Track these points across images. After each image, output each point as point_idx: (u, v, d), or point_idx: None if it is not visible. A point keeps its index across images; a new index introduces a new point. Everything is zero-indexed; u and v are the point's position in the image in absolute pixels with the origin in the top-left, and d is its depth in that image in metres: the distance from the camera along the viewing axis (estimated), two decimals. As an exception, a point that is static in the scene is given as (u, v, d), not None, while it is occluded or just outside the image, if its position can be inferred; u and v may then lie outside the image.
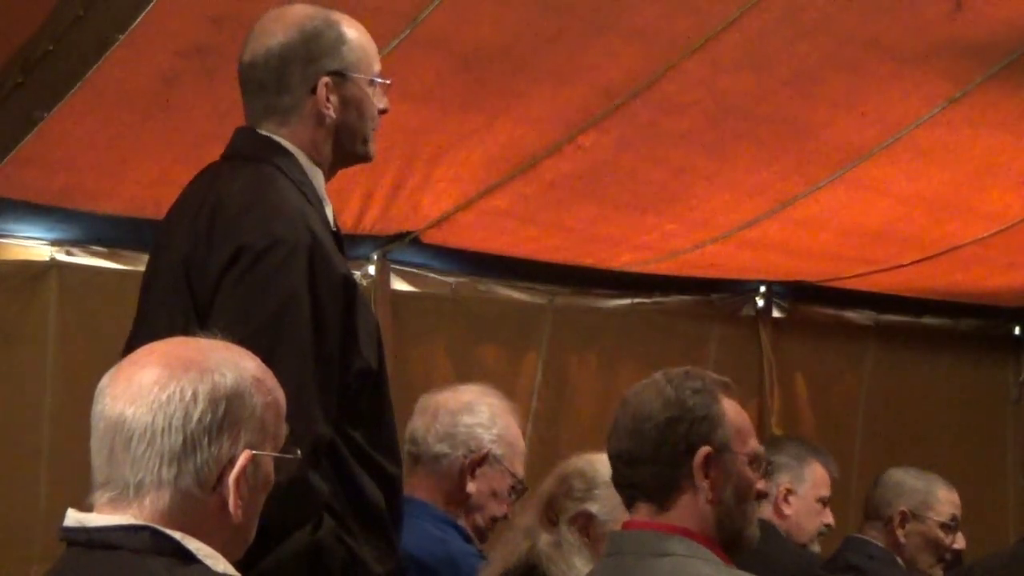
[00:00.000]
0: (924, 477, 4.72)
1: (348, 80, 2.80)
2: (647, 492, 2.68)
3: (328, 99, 2.78)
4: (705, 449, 2.65)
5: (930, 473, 4.75)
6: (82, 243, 5.36)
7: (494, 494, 3.48)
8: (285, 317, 2.56)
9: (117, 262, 5.39)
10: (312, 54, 2.78)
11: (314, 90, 2.78)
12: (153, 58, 4.13)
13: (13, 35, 4.00)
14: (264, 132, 2.80)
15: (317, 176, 2.82)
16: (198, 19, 3.98)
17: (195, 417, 1.85)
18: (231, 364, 1.90)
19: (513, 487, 3.50)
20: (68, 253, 5.36)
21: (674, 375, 2.73)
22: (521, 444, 3.56)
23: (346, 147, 2.84)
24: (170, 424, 1.84)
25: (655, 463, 2.66)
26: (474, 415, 3.49)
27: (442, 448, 3.45)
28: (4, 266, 5.24)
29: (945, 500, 4.64)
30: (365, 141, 2.86)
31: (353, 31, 2.84)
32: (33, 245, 5.30)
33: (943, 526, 4.55)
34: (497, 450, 3.48)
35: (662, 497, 2.66)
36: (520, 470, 3.53)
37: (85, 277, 5.37)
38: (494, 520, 3.52)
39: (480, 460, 3.45)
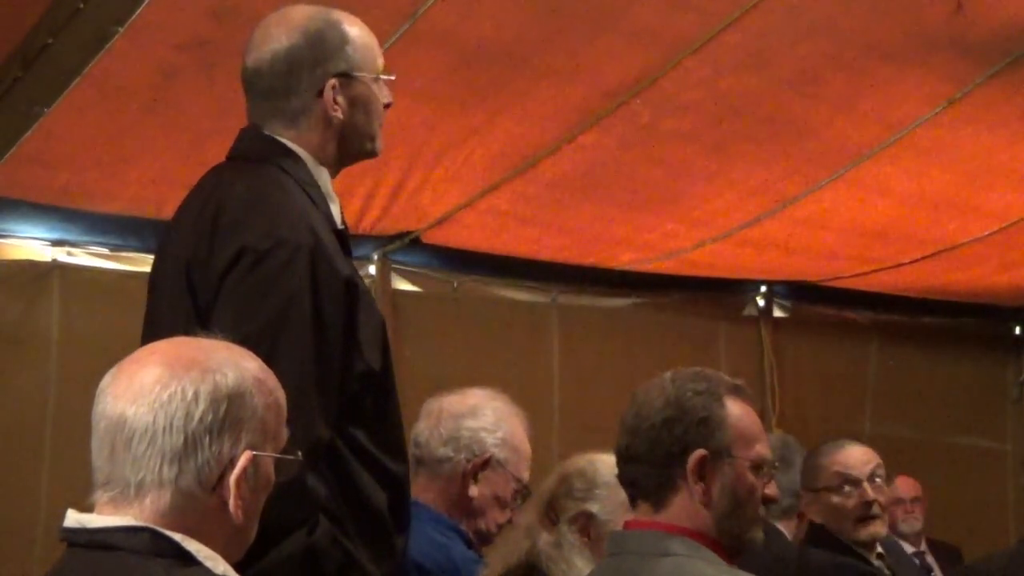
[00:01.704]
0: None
1: (354, 80, 2.80)
2: (644, 490, 2.67)
3: (336, 101, 2.78)
4: (699, 452, 2.63)
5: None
6: (84, 243, 5.36)
7: (497, 499, 3.45)
8: (286, 319, 2.55)
9: (119, 262, 5.39)
10: (318, 57, 2.77)
11: (321, 93, 2.77)
12: (153, 52, 4.14)
13: (12, 29, 4.00)
14: (269, 133, 2.79)
15: (323, 175, 2.81)
16: (197, 12, 3.99)
17: (196, 417, 1.84)
18: (233, 364, 1.90)
19: (517, 492, 3.48)
20: (70, 254, 5.37)
21: (681, 375, 2.71)
22: (526, 449, 3.52)
23: (354, 146, 2.84)
24: (171, 424, 1.83)
25: (650, 462, 2.65)
26: (478, 419, 3.47)
27: (445, 452, 3.43)
28: (6, 267, 5.24)
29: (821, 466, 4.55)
30: (372, 139, 2.86)
31: (355, 29, 2.84)
32: (35, 246, 5.30)
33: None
34: (500, 454, 3.45)
35: (658, 496, 2.65)
36: (525, 475, 3.49)
37: (87, 278, 5.37)
38: (499, 526, 3.50)
39: (483, 464, 3.43)
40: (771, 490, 2.73)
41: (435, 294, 6.41)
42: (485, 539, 3.46)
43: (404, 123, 4.80)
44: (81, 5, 3.85)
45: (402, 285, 6.28)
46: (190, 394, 1.84)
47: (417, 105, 4.75)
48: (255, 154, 2.78)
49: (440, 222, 5.81)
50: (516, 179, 5.41)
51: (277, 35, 2.79)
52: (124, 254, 5.35)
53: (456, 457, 3.41)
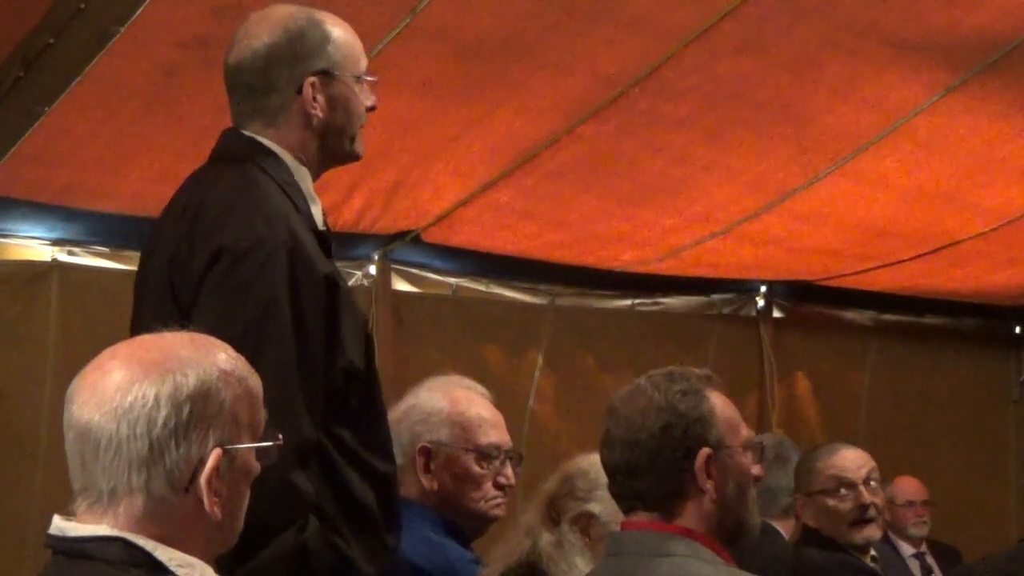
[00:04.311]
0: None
1: (335, 79, 2.79)
2: (650, 501, 2.64)
3: (315, 99, 2.76)
4: (705, 451, 2.62)
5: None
6: (83, 243, 5.36)
7: (458, 478, 3.36)
8: (266, 321, 2.55)
9: (118, 262, 5.38)
10: (298, 54, 2.76)
11: (300, 90, 2.76)
12: (154, 50, 4.15)
13: (14, 29, 4.00)
14: (249, 133, 2.79)
15: (304, 176, 2.80)
16: (198, 10, 3.99)
17: (159, 422, 1.82)
18: (195, 362, 1.86)
19: (482, 458, 3.43)
20: (70, 253, 5.36)
21: (658, 379, 2.69)
22: (474, 414, 3.40)
23: (334, 147, 2.83)
24: (134, 431, 1.81)
25: (655, 472, 2.62)
26: (410, 417, 3.42)
27: (400, 460, 3.40)
28: (5, 266, 5.23)
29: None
30: (352, 140, 2.84)
31: (338, 29, 2.83)
32: (34, 245, 5.29)
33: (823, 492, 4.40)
34: (437, 437, 3.38)
35: (666, 504, 2.63)
36: (484, 439, 3.38)
37: (86, 277, 5.36)
38: (484, 500, 3.43)
39: (424, 457, 3.41)
40: (757, 470, 2.73)
41: (435, 294, 6.42)
42: (479, 519, 3.41)
43: (403, 116, 4.80)
44: (82, 5, 3.86)
45: (402, 285, 6.29)
46: (151, 399, 1.82)
47: (416, 98, 4.75)
48: (235, 154, 2.78)
49: (440, 219, 5.81)
50: (516, 172, 5.42)
51: (258, 32, 2.79)
52: (124, 254, 5.34)
53: (404, 462, 3.37)
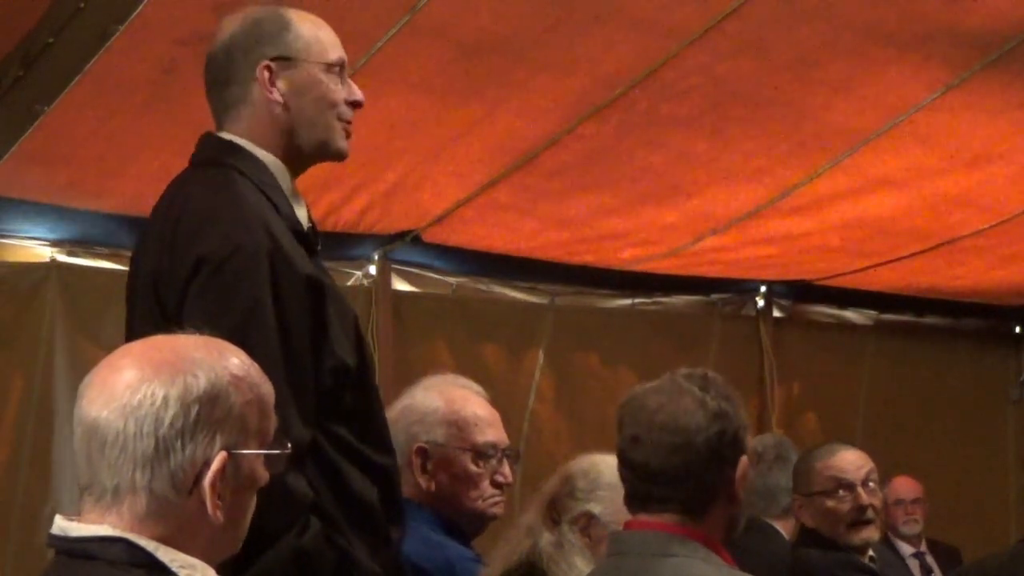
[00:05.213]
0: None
1: (294, 65, 2.75)
2: (688, 505, 2.62)
3: (273, 84, 2.73)
4: (744, 459, 2.63)
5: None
6: (83, 243, 5.35)
7: (456, 478, 3.36)
8: (250, 325, 2.54)
9: (118, 263, 5.37)
10: (253, 41, 2.75)
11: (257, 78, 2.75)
12: (153, 48, 4.15)
13: (13, 28, 4.00)
14: (225, 134, 2.78)
15: (284, 175, 2.78)
16: (198, 7, 3.99)
17: (166, 421, 1.82)
18: (206, 365, 1.87)
19: (479, 457, 3.42)
20: (69, 254, 5.35)
21: (701, 382, 2.65)
22: (469, 413, 3.40)
23: (308, 138, 2.78)
24: (141, 429, 1.82)
25: (703, 476, 2.61)
26: (407, 417, 3.42)
27: (399, 460, 3.40)
28: (4, 267, 5.22)
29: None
30: (328, 130, 2.79)
31: (303, 20, 2.80)
32: (33, 246, 5.29)
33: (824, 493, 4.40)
34: (433, 437, 3.37)
35: (698, 508, 2.62)
36: (480, 437, 3.38)
37: (85, 278, 5.35)
38: (481, 499, 3.43)
39: (420, 458, 3.41)
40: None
41: (435, 294, 6.42)
42: (478, 518, 3.41)
43: (403, 116, 4.80)
44: (82, 4, 3.87)
45: (402, 285, 6.29)
46: (159, 398, 1.82)
47: (416, 97, 4.75)
48: (211, 157, 2.77)
49: (440, 219, 5.81)
50: (516, 172, 5.42)
51: (225, 28, 2.80)
52: (124, 254, 5.33)
53: (401, 462, 3.36)
